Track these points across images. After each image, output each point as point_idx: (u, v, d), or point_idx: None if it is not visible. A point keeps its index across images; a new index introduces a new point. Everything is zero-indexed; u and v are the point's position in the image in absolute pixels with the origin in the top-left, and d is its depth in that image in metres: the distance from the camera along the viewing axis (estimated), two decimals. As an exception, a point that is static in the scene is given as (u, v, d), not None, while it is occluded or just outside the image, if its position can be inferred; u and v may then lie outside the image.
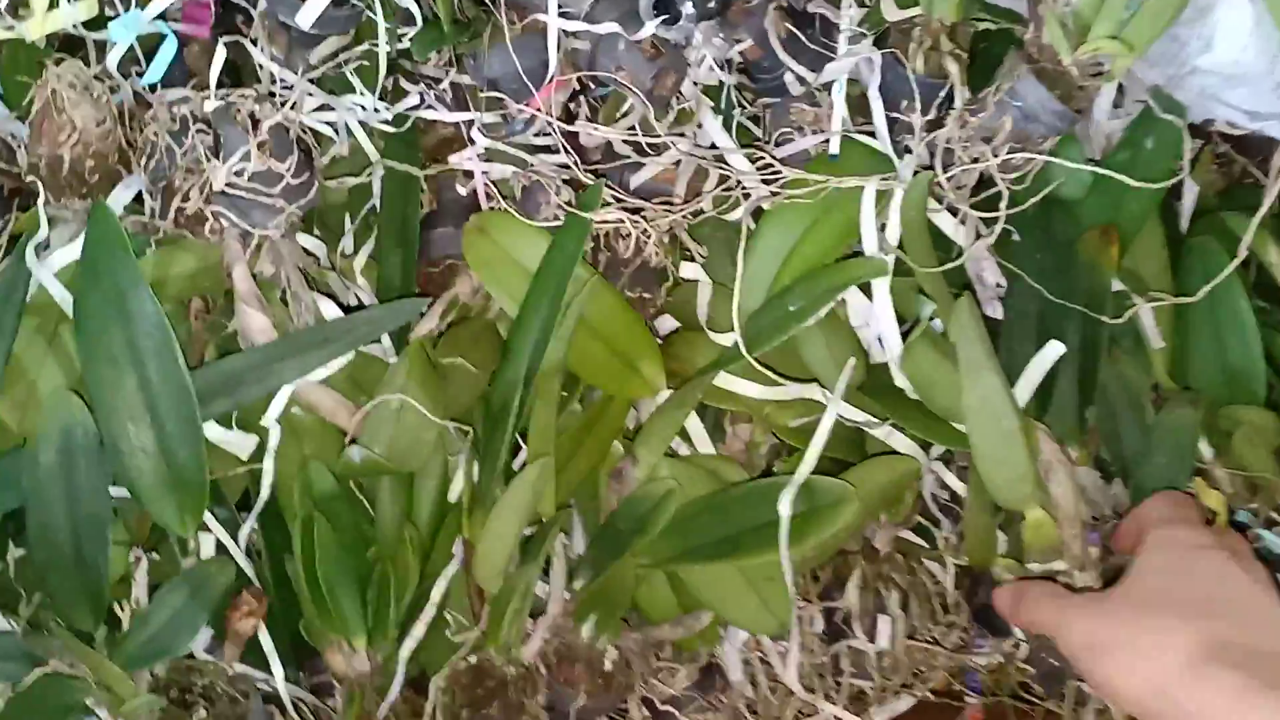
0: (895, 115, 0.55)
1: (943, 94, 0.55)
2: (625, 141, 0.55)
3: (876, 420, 0.53)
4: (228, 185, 0.49)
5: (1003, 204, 0.49)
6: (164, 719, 0.50)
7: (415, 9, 0.52)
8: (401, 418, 0.52)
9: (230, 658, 0.53)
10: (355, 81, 0.54)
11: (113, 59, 0.51)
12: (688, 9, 0.54)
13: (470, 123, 0.55)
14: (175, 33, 0.52)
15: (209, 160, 0.49)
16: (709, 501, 0.53)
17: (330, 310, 0.53)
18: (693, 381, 0.52)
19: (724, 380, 0.54)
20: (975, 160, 0.55)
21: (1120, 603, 0.44)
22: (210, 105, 0.51)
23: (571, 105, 0.57)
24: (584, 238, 0.50)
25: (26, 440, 0.50)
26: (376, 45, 0.54)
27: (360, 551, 0.53)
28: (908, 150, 0.54)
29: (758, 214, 0.55)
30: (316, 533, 0.50)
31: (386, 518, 0.54)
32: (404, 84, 0.56)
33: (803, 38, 0.56)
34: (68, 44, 0.54)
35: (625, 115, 0.57)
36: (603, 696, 0.55)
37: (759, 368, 0.50)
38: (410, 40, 0.52)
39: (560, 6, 0.53)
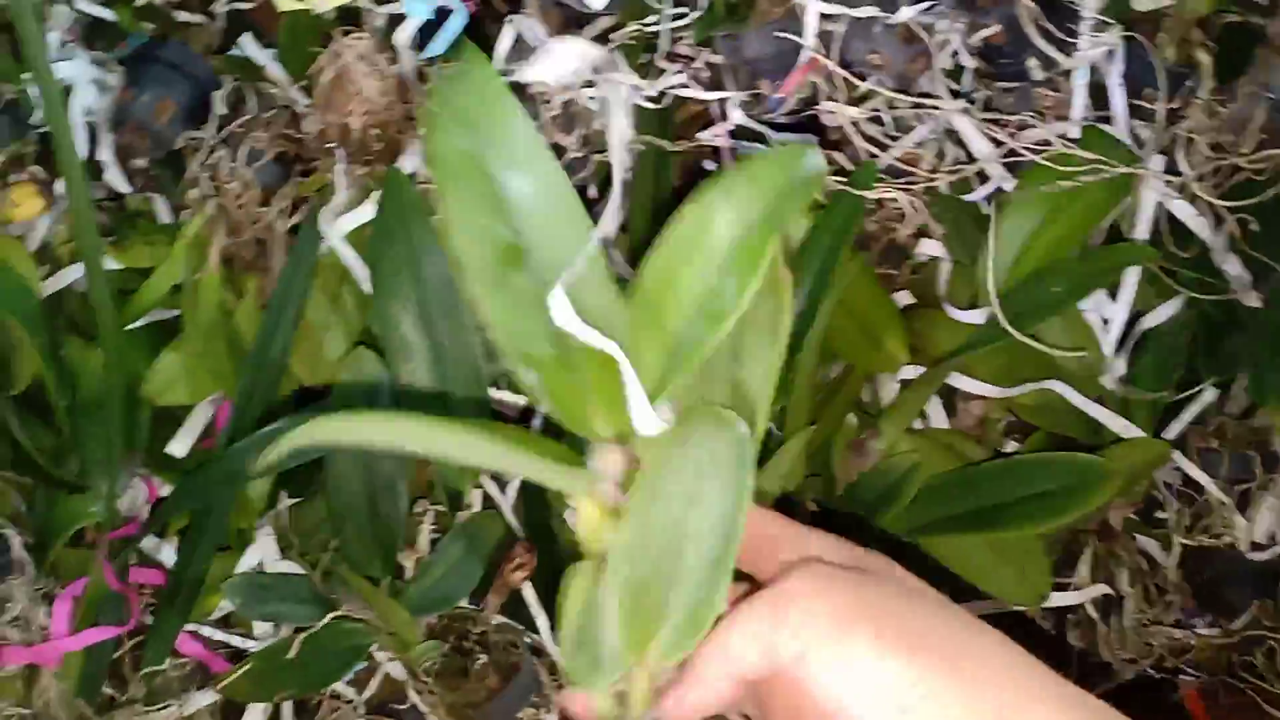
0: (1136, 103, 0.58)
1: (1184, 85, 0.58)
2: (870, 122, 0.58)
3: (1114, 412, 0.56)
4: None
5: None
6: (444, 664, 0.53)
7: (700, -8, 0.55)
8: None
9: (493, 608, 0.56)
10: (620, 60, 0.57)
11: (405, 33, 0.54)
12: (946, -6, 0.56)
13: (723, 101, 0.58)
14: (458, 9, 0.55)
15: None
16: (958, 475, 0.55)
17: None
18: (947, 361, 0.55)
19: (958, 380, 0.57)
20: (1217, 150, 0.58)
21: None
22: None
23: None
24: (855, 215, 0.53)
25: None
26: (642, 26, 0.56)
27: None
28: (1136, 139, 0.57)
29: (992, 196, 0.58)
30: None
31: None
32: (658, 63, 0.59)
33: (1049, 25, 0.58)
34: (344, 15, 0.57)
35: (867, 97, 0.59)
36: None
37: (1024, 336, 0.52)
38: (692, 23, 0.55)
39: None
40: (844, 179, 0.53)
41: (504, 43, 0.54)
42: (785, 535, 0.36)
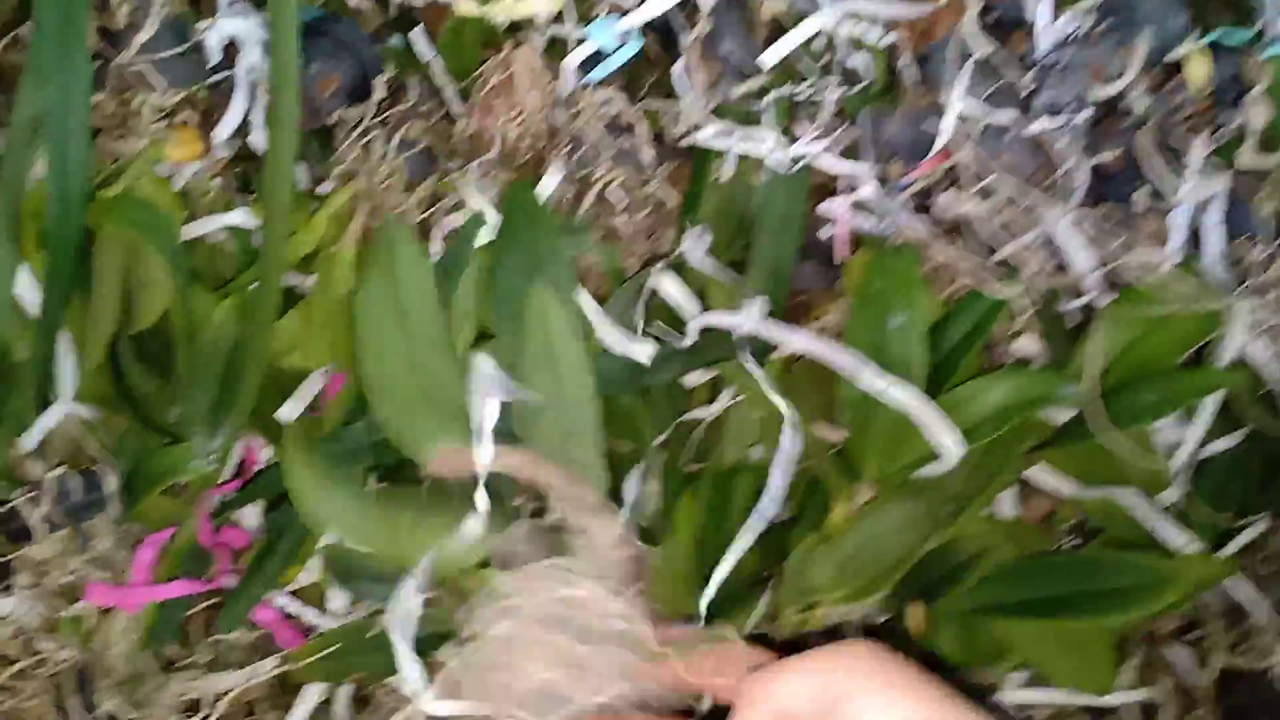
0: (1234, 246, 0.63)
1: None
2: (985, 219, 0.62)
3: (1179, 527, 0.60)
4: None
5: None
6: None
7: (868, 69, 0.58)
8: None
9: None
10: (770, 118, 0.60)
11: (578, 56, 0.57)
12: (1079, 115, 0.61)
13: (851, 176, 0.62)
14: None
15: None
16: (1031, 563, 0.59)
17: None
18: (1029, 455, 0.59)
19: (1037, 473, 0.61)
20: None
21: None
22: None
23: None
24: (992, 316, 0.57)
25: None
26: (795, 90, 0.60)
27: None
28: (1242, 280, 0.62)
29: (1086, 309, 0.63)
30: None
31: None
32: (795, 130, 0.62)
33: (1162, 161, 0.64)
34: (512, 26, 0.60)
35: (987, 196, 0.64)
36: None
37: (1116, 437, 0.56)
38: (845, 96, 0.59)
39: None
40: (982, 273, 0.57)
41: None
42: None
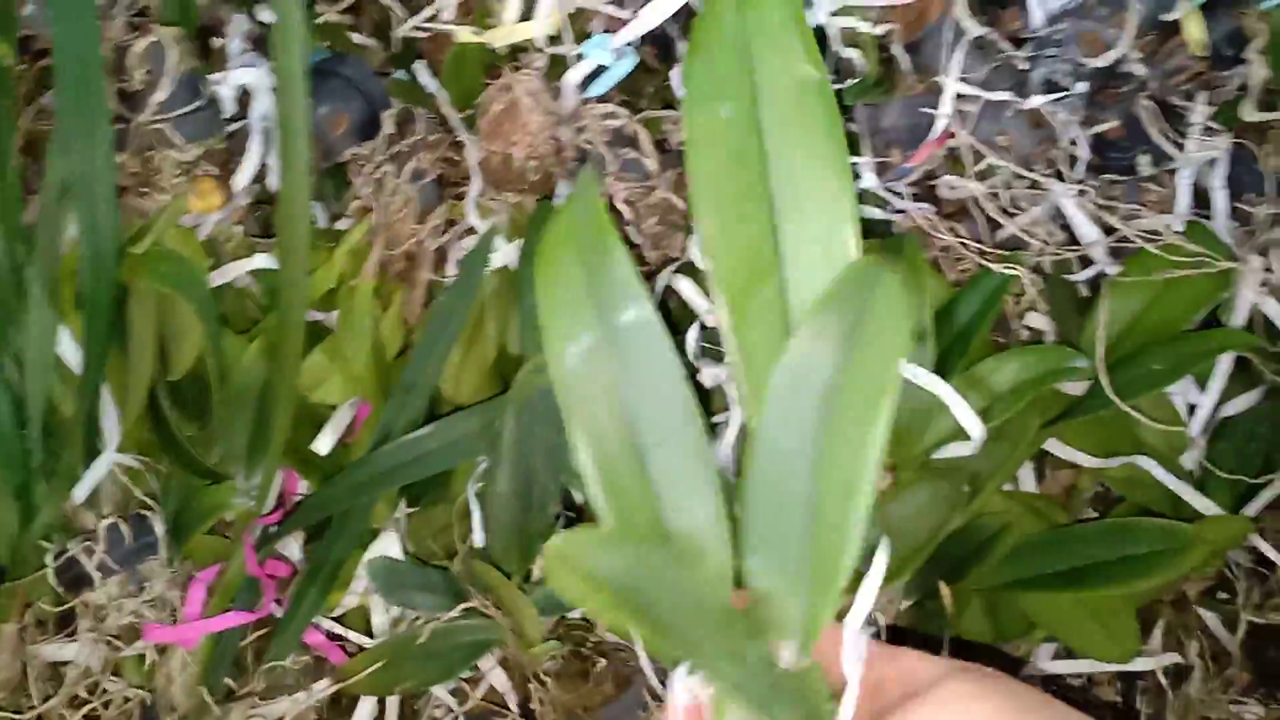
0: (1236, 205, 0.64)
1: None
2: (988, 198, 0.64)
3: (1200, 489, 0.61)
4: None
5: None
6: (563, 667, 0.57)
7: (860, 61, 0.60)
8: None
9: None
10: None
11: (577, 74, 0.59)
12: (1077, 87, 0.62)
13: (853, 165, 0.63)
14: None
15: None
16: (1051, 535, 0.60)
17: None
18: (1045, 429, 0.60)
19: (1057, 446, 0.62)
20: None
21: None
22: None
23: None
24: (1000, 293, 0.58)
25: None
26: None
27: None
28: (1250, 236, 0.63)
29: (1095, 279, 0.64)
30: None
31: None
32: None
33: (1165, 126, 0.64)
34: (512, 51, 0.61)
35: (989, 175, 0.65)
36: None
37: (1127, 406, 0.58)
38: (844, 90, 0.60)
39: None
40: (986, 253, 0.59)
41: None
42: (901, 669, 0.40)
